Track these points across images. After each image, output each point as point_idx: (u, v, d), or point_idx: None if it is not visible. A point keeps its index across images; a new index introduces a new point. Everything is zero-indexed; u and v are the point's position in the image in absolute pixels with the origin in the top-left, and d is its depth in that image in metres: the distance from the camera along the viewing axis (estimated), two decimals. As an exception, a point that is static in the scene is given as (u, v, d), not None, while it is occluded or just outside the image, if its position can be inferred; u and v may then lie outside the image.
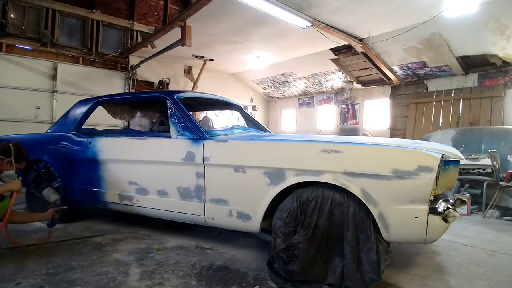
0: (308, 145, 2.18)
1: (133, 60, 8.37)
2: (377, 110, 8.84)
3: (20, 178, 2.51)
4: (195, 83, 9.39)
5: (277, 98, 11.75)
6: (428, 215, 1.82)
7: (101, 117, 4.46)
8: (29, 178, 3.46)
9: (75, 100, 3.83)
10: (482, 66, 6.53)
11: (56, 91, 7.35)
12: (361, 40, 6.65)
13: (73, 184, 3.22)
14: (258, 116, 10.79)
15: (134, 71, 8.40)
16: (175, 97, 2.83)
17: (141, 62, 8.19)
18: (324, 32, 6.08)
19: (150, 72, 8.82)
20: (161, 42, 6.75)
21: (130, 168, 2.90)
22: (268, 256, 2.20)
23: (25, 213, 3.17)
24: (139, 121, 7.94)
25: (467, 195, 4.56)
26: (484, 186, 4.47)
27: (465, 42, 6.10)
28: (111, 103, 3.86)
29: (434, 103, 7.33)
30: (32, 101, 7.08)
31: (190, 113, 2.81)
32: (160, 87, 8.77)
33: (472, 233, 3.43)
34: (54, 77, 7.33)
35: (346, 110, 9.57)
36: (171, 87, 9.03)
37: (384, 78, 8.04)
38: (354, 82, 8.86)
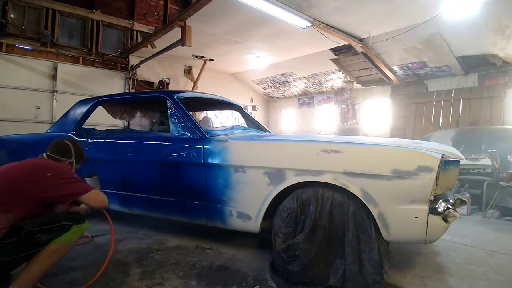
0: (308, 145, 2.18)
1: (133, 60, 8.37)
2: (377, 110, 8.84)
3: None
4: (195, 83, 9.39)
5: (277, 98, 11.75)
6: (428, 215, 1.82)
7: (101, 117, 4.46)
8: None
9: (75, 100, 3.82)
10: (482, 66, 6.53)
11: (56, 91, 7.34)
12: (361, 40, 6.64)
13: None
14: (258, 116, 10.78)
15: (134, 71, 8.39)
16: (175, 97, 2.83)
17: (141, 62, 8.19)
18: (324, 32, 6.08)
19: (150, 72, 8.81)
20: (161, 42, 6.74)
21: (130, 168, 2.90)
22: (270, 256, 2.20)
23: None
24: (139, 121, 7.93)
25: (467, 195, 4.55)
26: (484, 186, 4.47)
27: (465, 42, 6.09)
28: (111, 103, 3.86)
29: (434, 103, 7.33)
30: (32, 101, 7.08)
31: (190, 113, 2.81)
32: (160, 87, 8.77)
33: (472, 233, 3.42)
34: (54, 77, 7.33)
35: (346, 110, 9.56)
36: (171, 87, 9.02)
37: (384, 78, 8.04)
38: (354, 82, 8.86)
